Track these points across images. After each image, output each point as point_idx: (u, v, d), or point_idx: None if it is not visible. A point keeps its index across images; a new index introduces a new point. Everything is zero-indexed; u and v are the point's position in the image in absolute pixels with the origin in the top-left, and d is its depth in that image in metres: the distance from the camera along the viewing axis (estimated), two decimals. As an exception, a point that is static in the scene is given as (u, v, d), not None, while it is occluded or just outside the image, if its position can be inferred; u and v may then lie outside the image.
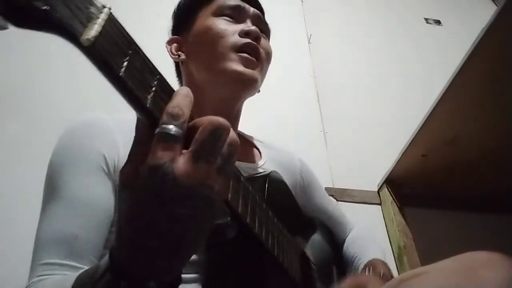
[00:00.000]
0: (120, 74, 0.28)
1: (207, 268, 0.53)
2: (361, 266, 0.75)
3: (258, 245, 0.50)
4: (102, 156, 0.58)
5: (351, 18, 2.36)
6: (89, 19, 0.27)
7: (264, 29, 0.79)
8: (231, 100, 0.74)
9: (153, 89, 0.31)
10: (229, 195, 0.42)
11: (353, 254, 0.81)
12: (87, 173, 0.57)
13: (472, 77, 1.07)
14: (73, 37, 0.26)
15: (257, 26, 0.74)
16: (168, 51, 0.79)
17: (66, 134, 0.61)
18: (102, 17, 0.28)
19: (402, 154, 1.35)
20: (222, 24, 0.72)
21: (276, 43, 1.01)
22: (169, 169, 0.29)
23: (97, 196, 0.56)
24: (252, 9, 0.77)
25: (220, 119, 0.33)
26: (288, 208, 0.70)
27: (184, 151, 0.31)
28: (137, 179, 0.31)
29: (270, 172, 0.66)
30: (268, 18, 0.83)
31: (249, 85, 0.70)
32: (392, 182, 1.46)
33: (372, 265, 0.73)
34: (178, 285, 0.35)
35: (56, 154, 0.60)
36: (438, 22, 2.51)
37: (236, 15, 0.75)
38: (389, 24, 2.37)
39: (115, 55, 0.28)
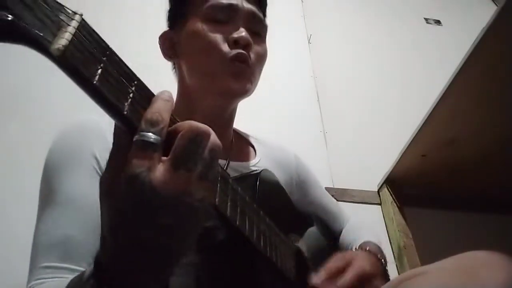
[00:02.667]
0: (94, 82, 0.27)
1: (198, 272, 0.52)
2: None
3: (250, 247, 0.49)
4: (93, 157, 0.58)
5: (351, 18, 2.36)
6: (59, 27, 0.26)
7: (259, 30, 0.73)
8: (222, 107, 0.73)
9: (131, 95, 0.30)
10: (217, 199, 0.41)
11: (349, 243, 0.81)
12: (79, 175, 0.57)
13: (472, 77, 1.07)
14: (42, 48, 0.25)
15: (250, 27, 0.70)
16: (160, 48, 0.75)
17: (58, 137, 0.62)
18: (73, 24, 0.27)
19: (402, 154, 1.35)
20: (212, 31, 0.67)
21: (276, 43, 1.01)
22: (146, 179, 0.28)
23: (91, 198, 0.56)
24: (245, 7, 0.70)
25: (200, 126, 0.32)
26: (281, 205, 0.69)
27: (164, 158, 0.30)
28: (117, 188, 0.30)
29: (261, 171, 0.65)
30: (268, 18, 0.82)
31: (238, 97, 0.70)
32: (392, 182, 1.46)
33: (362, 245, 0.73)
34: None
35: (49, 157, 0.60)
36: (438, 22, 2.51)
37: (227, 16, 0.69)
38: (389, 24, 2.37)
39: (88, 63, 0.27)
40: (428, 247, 1.29)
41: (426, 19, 2.51)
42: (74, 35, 0.26)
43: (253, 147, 0.83)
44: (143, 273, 0.31)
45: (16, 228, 1.07)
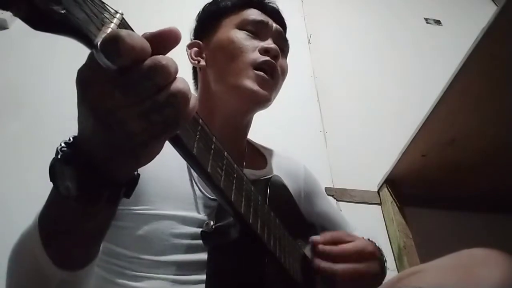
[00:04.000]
0: None
1: (209, 269, 0.53)
2: None
3: (261, 246, 0.50)
4: None
5: (351, 18, 2.36)
6: (103, 23, 0.29)
7: (284, 47, 0.82)
8: (241, 114, 0.77)
9: None
10: (232, 196, 0.43)
11: None
12: None
13: (472, 77, 1.07)
14: (88, 40, 0.28)
15: (277, 44, 0.76)
16: (188, 55, 0.81)
17: None
18: (115, 22, 0.30)
19: (402, 154, 1.35)
20: (244, 39, 0.74)
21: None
22: (83, 74, 0.31)
23: None
24: (274, 26, 0.79)
25: (169, 64, 0.30)
26: (289, 212, 0.70)
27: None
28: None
29: (272, 176, 0.67)
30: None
31: (260, 104, 0.73)
32: (392, 182, 1.46)
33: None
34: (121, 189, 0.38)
35: None
36: (438, 22, 2.51)
37: (258, 30, 0.77)
38: (389, 24, 2.37)
39: None
40: (428, 247, 1.29)
41: (426, 19, 2.51)
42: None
43: (264, 157, 0.85)
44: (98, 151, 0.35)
45: (19, 227, 1.07)
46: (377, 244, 0.69)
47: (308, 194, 0.86)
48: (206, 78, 0.78)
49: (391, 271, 0.69)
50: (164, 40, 0.32)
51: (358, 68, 2.03)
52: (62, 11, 0.25)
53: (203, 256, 0.57)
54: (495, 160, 1.32)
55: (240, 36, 0.74)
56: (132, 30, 0.31)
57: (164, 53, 0.32)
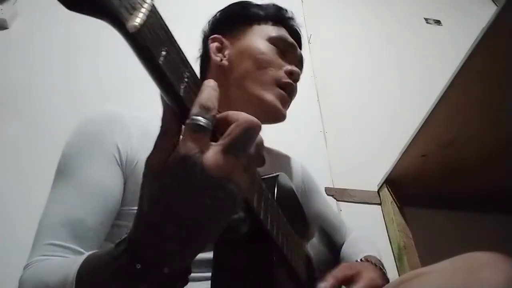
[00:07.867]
0: (159, 62, 0.29)
1: (215, 265, 0.53)
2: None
3: (269, 242, 0.50)
4: (115, 146, 0.61)
5: (351, 18, 2.36)
6: (134, 8, 0.28)
7: (300, 73, 0.84)
8: None
9: (186, 80, 0.32)
10: None
11: (350, 255, 0.81)
12: (100, 160, 0.59)
13: (472, 77, 1.07)
14: (119, 23, 0.27)
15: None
16: (210, 48, 0.81)
17: (85, 121, 0.64)
18: (146, 7, 0.29)
19: (402, 154, 1.35)
20: (274, 54, 0.78)
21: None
22: (199, 160, 0.30)
23: (107, 184, 0.58)
24: (299, 53, 0.84)
25: (255, 120, 0.34)
26: (294, 211, 0.70)
27: (212, 143, 0.32)
28: (165, 166, 0.32)
29: (279, 175, 0.66)
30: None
31: (276, 120, 0.77)
32: (392, 182, 1.46)
33: (367, 258, 0.73)
34: (188, 274, 0.36)
35: (73, 138, 0.62)
36: (438, 22, 2.51)
37: (286, 50, 0.81)
38: (389, 24, 2.37)
39: (156, 44, 0.29)
40: (428, 247, 1.29)
41: (426, 19, 2.51)
42: (147, 17, 0.28)
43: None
44: (171, 248, 0.33)
45: (17, 228, 1.07)
46: (376, 259, 0.69)
47: (305, 193, 0.85)
48: (225, 78, 0.77)
49: (391, 272, 0.68)
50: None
51: (358, 68, 2.03)
52: None
53: (209, 254, 0.57)
54: (495, 161, 1.32)
55: (271, 51, 0.78)
56: (162, 18, 0.31)
57: None
